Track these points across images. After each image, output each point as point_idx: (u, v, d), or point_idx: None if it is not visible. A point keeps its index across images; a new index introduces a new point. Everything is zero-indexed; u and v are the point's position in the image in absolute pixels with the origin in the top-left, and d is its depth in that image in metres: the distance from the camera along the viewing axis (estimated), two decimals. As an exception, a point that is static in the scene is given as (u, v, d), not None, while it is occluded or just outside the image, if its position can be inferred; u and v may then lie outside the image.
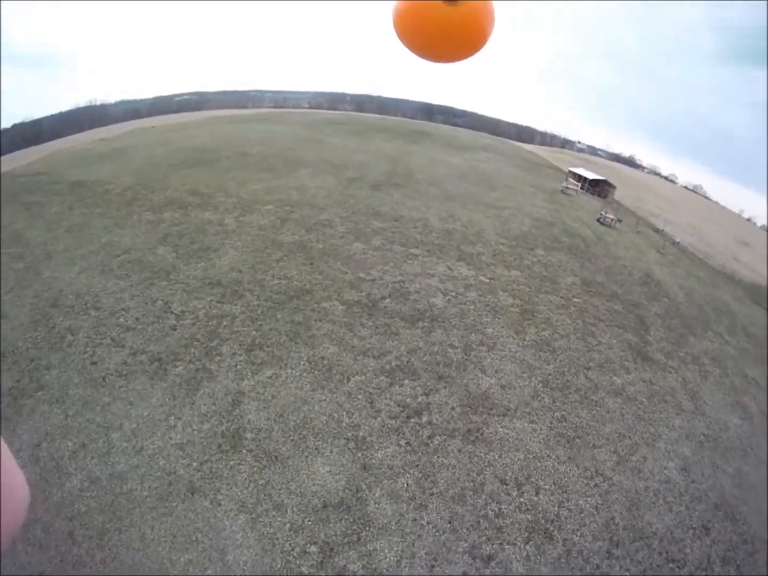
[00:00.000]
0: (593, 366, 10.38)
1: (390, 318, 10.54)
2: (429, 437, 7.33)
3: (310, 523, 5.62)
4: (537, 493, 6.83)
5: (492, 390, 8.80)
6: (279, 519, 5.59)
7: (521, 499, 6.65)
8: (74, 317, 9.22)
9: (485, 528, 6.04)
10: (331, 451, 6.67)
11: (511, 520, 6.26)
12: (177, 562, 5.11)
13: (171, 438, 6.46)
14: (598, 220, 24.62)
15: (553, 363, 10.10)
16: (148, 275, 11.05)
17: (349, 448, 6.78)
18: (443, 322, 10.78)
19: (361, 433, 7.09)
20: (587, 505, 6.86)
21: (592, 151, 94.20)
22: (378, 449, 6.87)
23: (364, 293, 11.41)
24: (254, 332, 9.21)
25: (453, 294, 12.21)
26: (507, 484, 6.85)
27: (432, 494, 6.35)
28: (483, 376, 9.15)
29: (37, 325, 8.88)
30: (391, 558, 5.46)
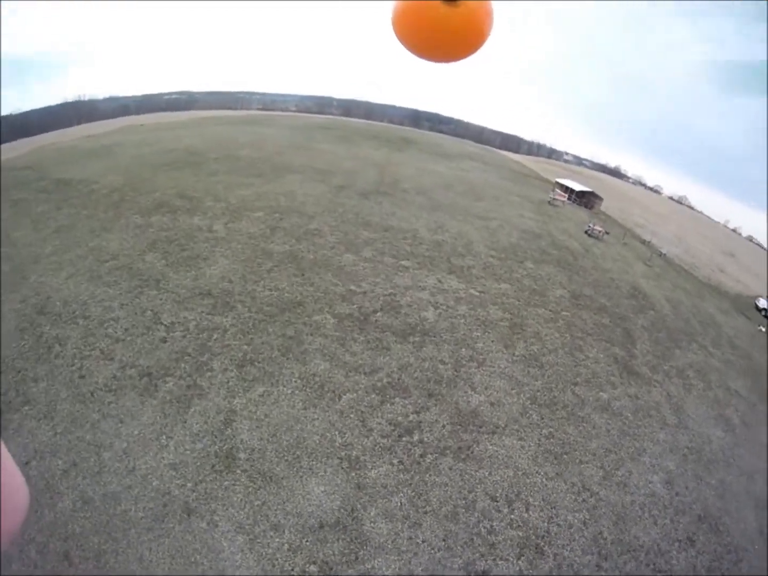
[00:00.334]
0: (580, 381, 10.83)
1: (381, 332, 10.84)
2: (421, 456, 7.64)
3: (308, 543, 5.87)
4: (527, 510, 7.19)
5: (481, 407, 9.15)
6: (277, 540, 5.83)
7: (512, 516, 7.00)
8: (62, 326, 9.33)
9: (478, 545, 6.37)
10: (325, 471, 6.93)
11: (503, 536, 6.61)
12: (176, 584, 5.31)
13: (164, 458, 6.65)
14: (585, 232, 25.37)
15: (541, 379, 10.50)
16: (137, 283, 11.20)
17: (342, 468, 7.05)
18: (434, 337, 11.12)
19: (354, 453, 7.36)
20: (576, 520, 7.24)
21: (578, 161, 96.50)
22: (371, 468, 7.16)
23: (355, 306, 11.69)
24: (245, 346, 9.42)
25: (444, 307, 12.57)
26: (498, 501, 7.19)
27: (425, 512, 6.66)
28: (473, 393, 9.50)
29: (23, 334, 8.98)
30: (389, 576, 5.75)
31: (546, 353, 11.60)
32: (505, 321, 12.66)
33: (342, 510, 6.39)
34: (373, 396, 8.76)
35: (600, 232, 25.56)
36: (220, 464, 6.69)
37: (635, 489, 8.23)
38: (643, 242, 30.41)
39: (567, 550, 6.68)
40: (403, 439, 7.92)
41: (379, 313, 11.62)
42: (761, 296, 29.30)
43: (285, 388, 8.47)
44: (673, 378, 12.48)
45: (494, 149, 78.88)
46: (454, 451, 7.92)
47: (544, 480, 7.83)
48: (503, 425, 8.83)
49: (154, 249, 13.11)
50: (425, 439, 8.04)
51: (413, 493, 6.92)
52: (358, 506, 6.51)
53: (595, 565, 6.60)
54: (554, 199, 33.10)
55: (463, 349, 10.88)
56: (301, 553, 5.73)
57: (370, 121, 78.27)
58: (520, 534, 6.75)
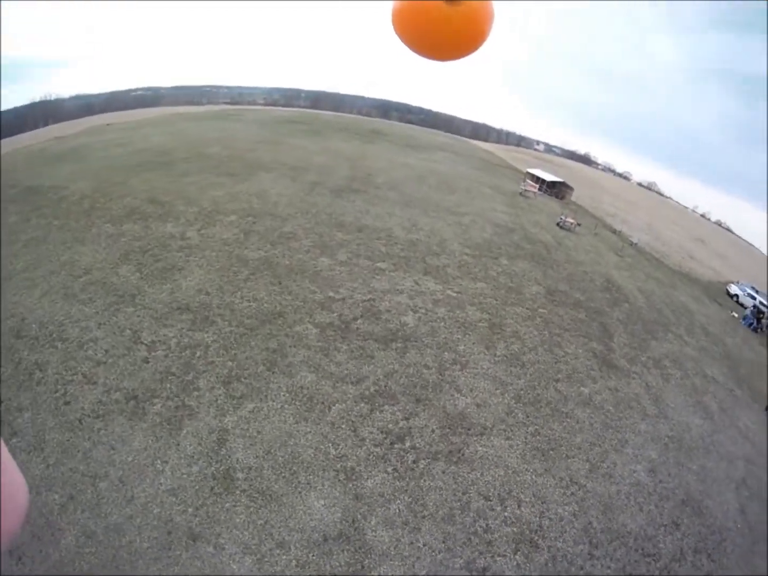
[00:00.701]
0: (561, 378, 11.54)
1: (364, 340, 11.25)
2: (414, 462, 8.13)
3: (314, 557, 6.25)
4: (519, 506, 7.78)
5: (468, 409, 9.70)
6: (284, 557, 6.19)
7: (506, 514, 7.57)
8: (40, 350, 9.37)
9: (477, 544, 6.91)
10: (323, 485, 7.32)
11: (499, 534, 7.18)
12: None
13: (161, 484, 6.89)
14: (558, 224, 26.40)
15: (523, 377, 11.15)
16: (113, 300, 11.28)
17: (339, 480, 7.46)
18: (416, 342, 11.60)
19: (349, 464, 7.78)
20: (566, 513, 7.89)
21: (548, 148, 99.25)
22: (367, 478, 7.59)
23: (335, 314, 12.06)
24: (230, 363, 9.67)
25: (423, 311, 13.08)
26: (491, 501, 7.76)
27: (423, 517, 7.15)
28: (458, 395, 10.04)
29: (1, 360, 8.96)
30: (395, 581, 6.22)
31: (526, 352, 12.27)
32: (483, 322, 13.27)
33: (343, 522, 6.81)
34: (362, 405, 9.18)
35: (572, 224, 26.63)
36: (219, 486, 6.99)
37: (620, 479, 8.96)
38: (615, 232, 31.81)
39: (560, 542, 7.32)
40: (396, 446, 8.38)
41: (359, 320, 12.02)
42: (732, 282, 31.21)
43: (274, 403, 8.80)
44: (650, 369, 13.38)
45: (465, 138, 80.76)
46: (445, 454, 8.44)
47: (533, 477, 8.45)
48: (491, 426, 9.41)
49: (127, 261, 13.18)
50: (417, 444, 8.53)
51: (410, 499, 7.40)
52: (359, 516, 6.94)
53: (587, 554, 7.26)
54: (526, 190, 34.20)
55: (446, 353, 11.40)
56: (309, 568, 6.11)
57: (339, 113, 79.80)
58: (515, 530, 7.33)
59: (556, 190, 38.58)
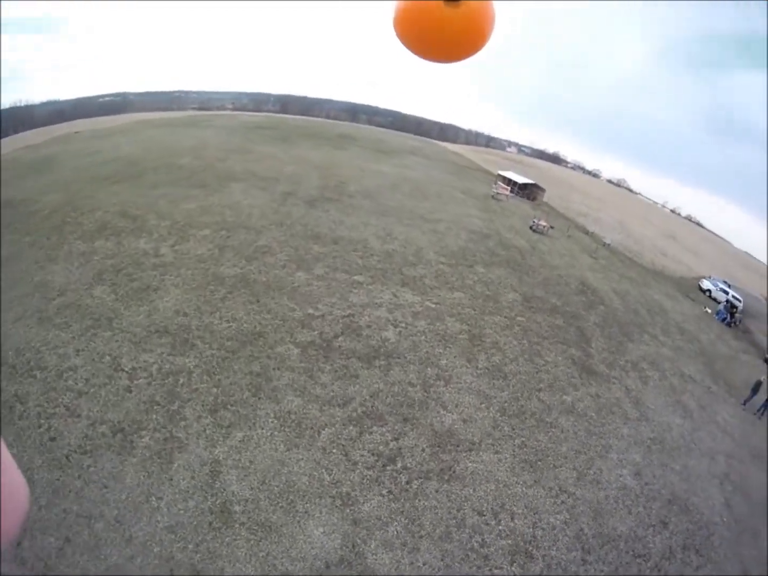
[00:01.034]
0: (543, 387, 12.18)
1: (347, 359, 11.60)
2: (407, 482, 8.56)
3: (319, 584, 6.63)
4: (512, 519, 8.31)
5: (455, 426, 10.20)
6: (289, 587, 6.54)
7: (500, 527, 8.09)
8: (19, 381, 9.37)
9: (474, 559, 7.40)
10: (321, 512, 7.67)
11: (494, 547, 7.69)
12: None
13: (158, 521, 7.11)
14: (531, 228, 27.32)
15: (506, 389, 11.73)
16: (89, 323, 11.33)
17: (336, 506, 7.82)
18: (398, 358, 12.02)
19: (344, 489, 8.15)
20: (558, 522, 8.48)
21: (518, 148, 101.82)
22: (363, 502, 7.98)
23: (316, 332, 12.35)
24: (214, 389, 9.87)
25: (403, 325, 13.51)
26: (485, 515, 8.26)
27: (421, 537, 7.60)
28: (445, 412, 10.52)
29: None
30: (396, 603, 6.63)
31: (507, 363, 12.86)
32: (464, 333, 13.80)
33: (344, 547, 7.18)
34: (350, 428, 9.55)
35: (545, 227, 27.61)
36: (217, 521, 7.25)
37: (607, 484, 9.64)
38: (587, 233, 33.06)
39: (554, 550, 7.90)
40: (388, 468, 8.79)
41: (340, 338, 12.37)
42: (704, 277, 32.88)
43: (263, 431, 9.09)
44: (629, 372, 14.20)
45: (434, 141, 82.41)
46: (437, 473, 8.90)
47: (523, 488, 9.00)
48: (478, 441, 9.92)
49: (101, 281, 13.23)
50: (408, 465, 8.96)
51: (407, 520, 7.83)
52: (358, 541, 7.32)
53: (580, 559, 7.86)
54: (498, 193, 35.16)
55: (429, 368, 11.86)
56: (316, 595, 6.48)
57: (307, 117, 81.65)
58: (510, 542, 7.85)
59: (528, 191, 39.79)
